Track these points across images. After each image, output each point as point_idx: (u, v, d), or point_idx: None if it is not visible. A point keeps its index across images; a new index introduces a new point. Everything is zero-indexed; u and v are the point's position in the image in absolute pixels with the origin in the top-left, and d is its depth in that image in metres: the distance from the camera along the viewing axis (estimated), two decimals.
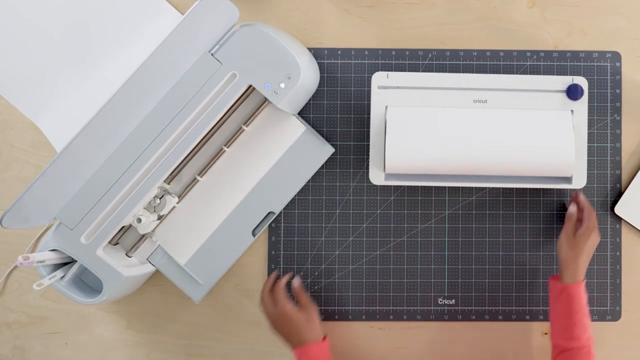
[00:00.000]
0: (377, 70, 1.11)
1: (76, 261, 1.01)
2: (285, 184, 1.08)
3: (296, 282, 1.09)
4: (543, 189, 1.11)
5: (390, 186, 1.11)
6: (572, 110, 1.04)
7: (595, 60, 1.12)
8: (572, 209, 1.04)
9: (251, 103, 1.06)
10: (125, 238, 1.07)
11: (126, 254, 1.06)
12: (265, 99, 1.05)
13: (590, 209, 1.04)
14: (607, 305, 1.11)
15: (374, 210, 1.11)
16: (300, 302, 1.07)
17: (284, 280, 1.08)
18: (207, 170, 1.07)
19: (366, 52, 1.12)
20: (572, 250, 1.00)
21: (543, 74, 1.11)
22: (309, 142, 1.08)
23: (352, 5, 1.12)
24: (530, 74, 1.11)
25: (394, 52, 1.12)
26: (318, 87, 1.11)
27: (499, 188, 1.11)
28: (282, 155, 1.08)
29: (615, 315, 1.11)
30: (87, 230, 0.98)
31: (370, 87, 1.08)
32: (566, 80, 1.05)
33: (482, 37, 1.12)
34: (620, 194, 1.11)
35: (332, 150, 1.10)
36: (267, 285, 1.08)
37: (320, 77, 1.11)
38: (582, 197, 1.06)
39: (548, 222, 1.11)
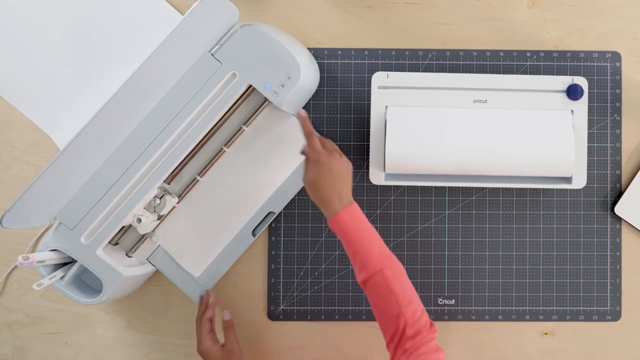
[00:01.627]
0: (377, 70, 1.11)
1: (76, 261, 1.01)
2: (286, 184, 1.08)
3: (226, 316, 1.06)
4: (543, 189, 1.11)
5: (390, 186, 1.11)
6: (572, 110, 1.04)
7: (595, 60, 1.12)
8: (303, 112, 0.94)
9: (251, 103, 1.06)
10: (125, 238, 1.07)
11: (126, 254, 1.06)
12: (265, 99, 1.05)
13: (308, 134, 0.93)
14: (607, 305, 1.11)
15: (374, 210, 1.11)
16: (226, 341, 1.03)
17: (208, 312, 1.04)
18: (207, 170, 1.07)
19: (366, 52, 1.12)
20: (331, 169, 0.90)
21: (543, 74, 1.11)
22: None
23: (352, 5, 1.12)
24: (530, 74, 1.11)
25: (394, 52, 1.12)
26: (318, 87, 1.11)
27: (499, 188, 1.11)
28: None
29: (615, 315, 1.11)
30: (87, 230, 0.98)
31: (370, 87, 1.08)
32: (566, 80, 1.05)
33: (482, 37, 1.12)
34: (620, 194, 1.11)
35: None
36: (199, 315, 1.05)
37: (320, 77, 1.11)
38: (302, 114, 0.95)
39: (548, 222, 1.11)
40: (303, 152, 0.96)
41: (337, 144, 1.10)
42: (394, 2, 1.12)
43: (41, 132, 1.12)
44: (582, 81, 1.04)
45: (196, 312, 1.11)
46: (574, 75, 1.11)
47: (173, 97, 0.97)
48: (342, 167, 0.92)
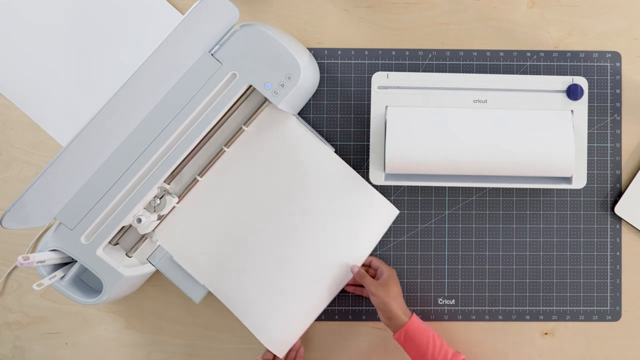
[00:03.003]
0: (377, 70, 1.11)
1: (76, 261, 1.01)
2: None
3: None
4: (543, 189, 1.11)
5: (390, 186, 1.11)
6: (572, 111, 1.04)
7: (595, 60, 1.12)
8: (356, 268, 1.06)
9: (251, 103, 1.06)
10: (125, 238, 1.07)
11: (126, 254, 1.06)
12: (265, 99, 1.05)
13: (370, 259, 1.08)
14: (607, 305, 1.11)
15: None
16: None
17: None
18: (207, 170, 1.07)
19: (366, 52, 1.12)
20: (388, 294, 1.02)
21: (543, 74, 1.11)
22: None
23: (352, 5, 1.12)
24: (530, 74, 1.11)
25: (394, 52, 1.12)
26: (318, 87, 1.11)
27: (499, 188, 1.11)
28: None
29: (615, 315, 1.11)
30: (87, 230, 0.98)
31: (370, 87, 1.08)
32: (566, 81, 1.05)
33: (482, 37, 1.12)
34: (620, 194, 1.11)
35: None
36: None
37: (320, 77, 1.11)
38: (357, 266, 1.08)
39: (548, 222, 1.11)
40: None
41: (337, 144, 1.11)
42: (394, 2, 1.12)
43: (41, 132, 1.12)
44: (582, 81, 1.04)
45: (196, 312, 1.11)
46: (574, 75, 1.11)
47: (173, 97, 0.97)
48: (394, 288, 1.03)
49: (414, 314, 1.02)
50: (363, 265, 1.09)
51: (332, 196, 1.08)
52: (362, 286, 1.08)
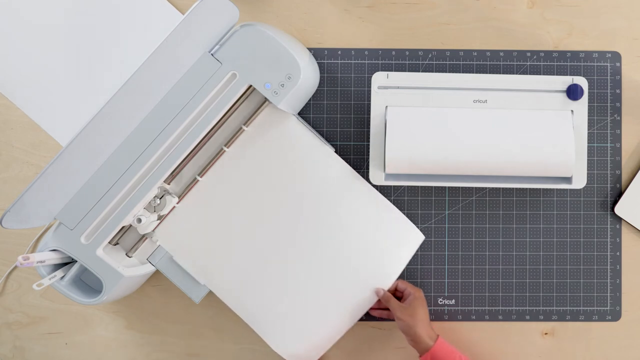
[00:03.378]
0: (377, 70, 1.11)
1: (76, 261, 1.01)
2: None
3: None
4: (543, 189, 1.11)
5: (390, 186, 1.11)
6: (572, 111, 1.04)
7: (595, 60, 1.12)
8: (382, 292, 1.05)
9: (251, 103, 1.06)
10: (125, 238, 1.07)
11: (126, 254, 1.06)
12: (265, 99, 1.05)
13: (395, 282, 1.07)
14: (607, 305, 1.11)
15: None
16: None
17: None
18: (207, 170, 1.07)
19: (366, 52, 1.12)
20: (414, 317, 1.01)
21: (543, 74, 1.11)
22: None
23: (352, 5, 1.12)
24: (530, 74, 1.11)
25: (394, 52, 1.12)
26: (318, 87, 1.11)
27: (499, 188, 1.11)
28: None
29: (615, 315, 1.11)
30: (87, 230, 0.98)
31: (370, 87, 1.08)
32: (566, 81, 1.05)
33: (482, 37, 1.12)
34: (620, 194, 1.11)
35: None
36: None
37: (320, 77, 1.11)
38: (383, 290, 1.06)
39: (548, 222, 1.11)
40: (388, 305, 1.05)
41: (337, 144, 1.11)
42: (394, 2, 1.12)
43: (41, 132, 1.12)
44: (582, 81, 1.04)
45: (196, 312, 1.11)
46: (574, 75, 1.11)
47: (173, 97, 0.97)
48: (421, 311, 1.02)
49: (440, 337, 1.01)
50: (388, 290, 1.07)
51: (332, 197, 1.08)
52: (387, 309, 1.07)
